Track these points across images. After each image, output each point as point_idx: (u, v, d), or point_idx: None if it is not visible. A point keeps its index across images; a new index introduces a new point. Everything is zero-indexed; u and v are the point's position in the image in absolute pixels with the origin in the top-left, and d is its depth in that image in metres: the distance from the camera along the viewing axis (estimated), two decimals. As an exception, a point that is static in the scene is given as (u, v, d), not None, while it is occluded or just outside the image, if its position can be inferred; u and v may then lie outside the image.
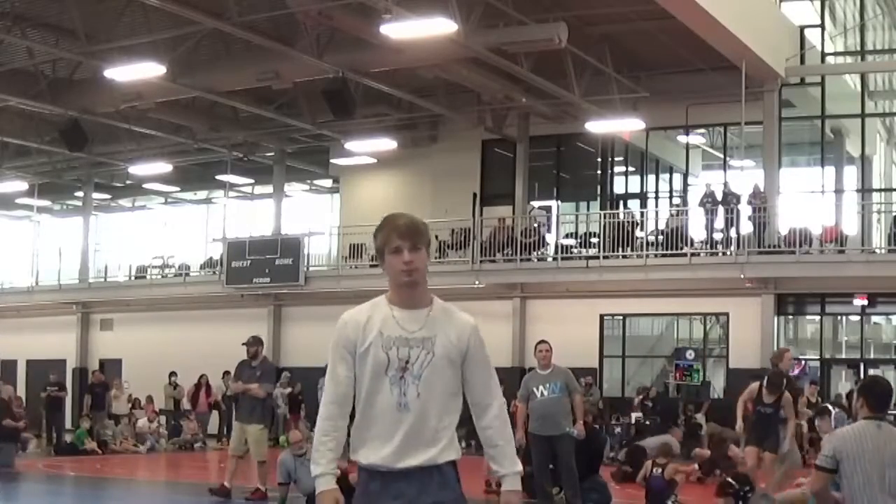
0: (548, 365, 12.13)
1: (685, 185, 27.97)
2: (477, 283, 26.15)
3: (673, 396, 24.97)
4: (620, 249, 25.32)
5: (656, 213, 27.08)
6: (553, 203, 28.72)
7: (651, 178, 28.44)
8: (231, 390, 14.44)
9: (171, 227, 36.69)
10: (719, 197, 24.91)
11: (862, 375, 24.27)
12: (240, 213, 35.11)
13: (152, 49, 21.46)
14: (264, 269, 28.29)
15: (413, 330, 4.28)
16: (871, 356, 25.41)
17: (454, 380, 4.32)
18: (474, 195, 28.09)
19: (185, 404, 27.47)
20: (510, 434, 4.41)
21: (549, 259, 26.80)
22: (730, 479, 11.95)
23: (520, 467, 4.35)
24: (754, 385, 12.66)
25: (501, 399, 4.42)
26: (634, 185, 28.65)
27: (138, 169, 31.49)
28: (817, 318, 25.62)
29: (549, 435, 12.00)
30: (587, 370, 23.74)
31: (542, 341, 12.30)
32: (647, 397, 24.19)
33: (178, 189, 36.52)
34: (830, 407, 17.85)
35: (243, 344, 14.45)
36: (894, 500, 6.00)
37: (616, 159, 28.22)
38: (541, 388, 11.97)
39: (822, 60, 25.71)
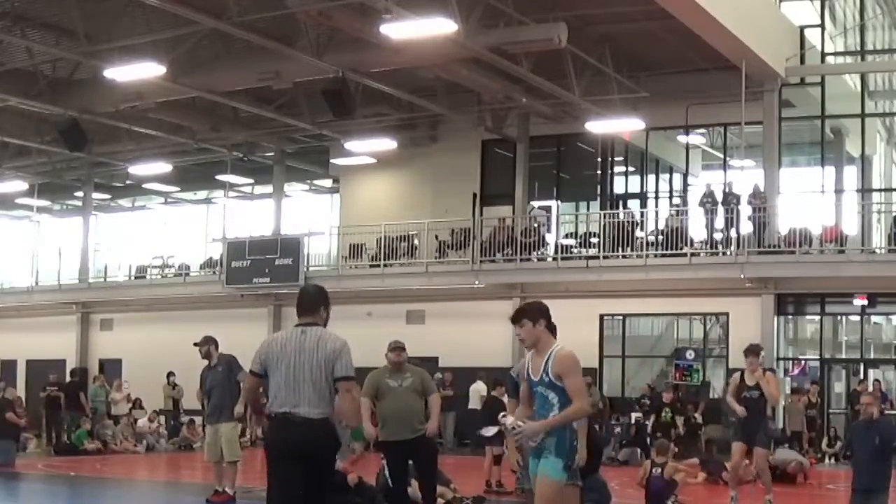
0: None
1: (685, 185, 27.95)
2: (477, 283, 26.16)
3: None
4: (620, 249, 25.31)
5: (656, 213, 27.05)
6: (553, 203, 28.71)
7: (651, 178, 28.42)
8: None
9: (170, 227, 36.69)
10: (719, 197, 24.91)
11: (862, 375, 24.29)
12: (240, 213, 35.09)
13: (152, 49, 21.45)
14: (264, 269, 28.28)
15: None
16: (871, 356, 25.39)
17: None
18: (474, 195, 28.07)
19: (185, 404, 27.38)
20: None
21: (549, 259, 26.79)
22: None
23: None
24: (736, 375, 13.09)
25: None
26: (634, 185, 28.63)
27: (138, 169, 31.52)
28: (817, 318, 25.57)
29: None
30: (587, 370, 23.44)
31: None
32: (644, 396, 24.14)
33: (178, 189, 36.53)
34: None
35: (195, 344, 13.56)
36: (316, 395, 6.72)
37: (616, 159, 28.21)
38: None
39: (822, 60, 25.70)
